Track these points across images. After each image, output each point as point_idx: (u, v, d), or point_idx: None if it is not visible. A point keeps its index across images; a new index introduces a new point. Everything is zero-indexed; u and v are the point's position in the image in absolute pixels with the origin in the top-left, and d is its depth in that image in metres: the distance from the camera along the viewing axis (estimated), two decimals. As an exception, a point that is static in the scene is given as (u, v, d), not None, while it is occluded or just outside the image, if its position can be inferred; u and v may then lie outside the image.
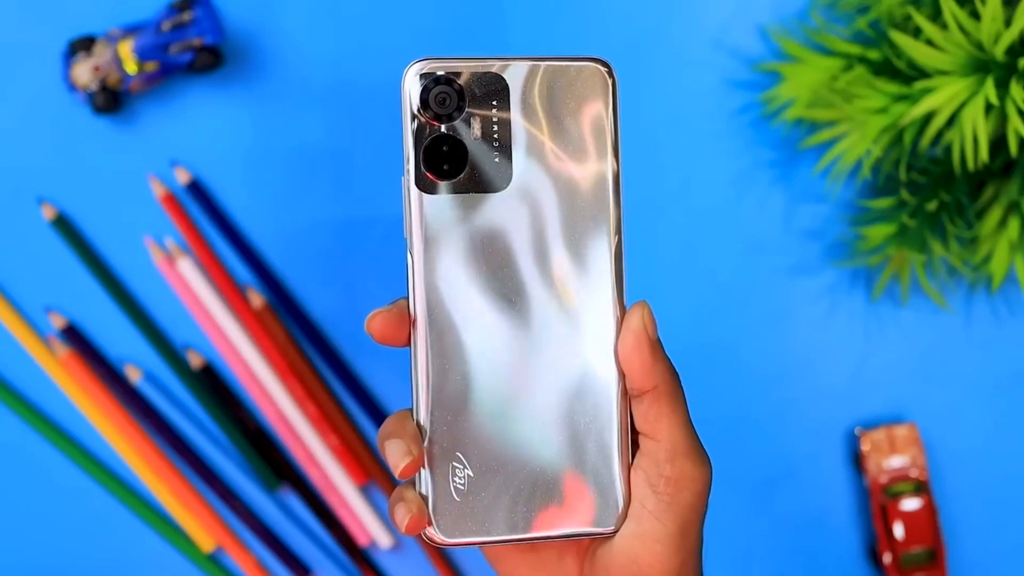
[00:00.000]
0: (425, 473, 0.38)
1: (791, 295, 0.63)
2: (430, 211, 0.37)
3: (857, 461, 0.63)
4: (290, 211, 0.61)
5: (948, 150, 0.57)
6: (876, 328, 0.63)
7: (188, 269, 0.60)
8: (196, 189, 0.60)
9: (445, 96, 0.37)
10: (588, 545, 0.40)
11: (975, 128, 0.53)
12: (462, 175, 0.37)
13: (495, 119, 0.37)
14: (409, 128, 0.37)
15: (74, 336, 0.60)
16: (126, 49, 0.57)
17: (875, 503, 0.61)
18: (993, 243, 0.58)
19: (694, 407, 0.38)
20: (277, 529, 0.62)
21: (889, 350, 0.63)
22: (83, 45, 0.58)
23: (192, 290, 0.60)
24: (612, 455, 0.38)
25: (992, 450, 0.63)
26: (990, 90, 0.52)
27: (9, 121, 0.60)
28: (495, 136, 0.37)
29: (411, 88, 0.37)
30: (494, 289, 0.38)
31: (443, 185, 0.37)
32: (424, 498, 0.38)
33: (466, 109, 0.37)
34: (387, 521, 0.62)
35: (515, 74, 0.37)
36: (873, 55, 0.58)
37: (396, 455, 0.37)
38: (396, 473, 0.37)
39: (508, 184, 0.37)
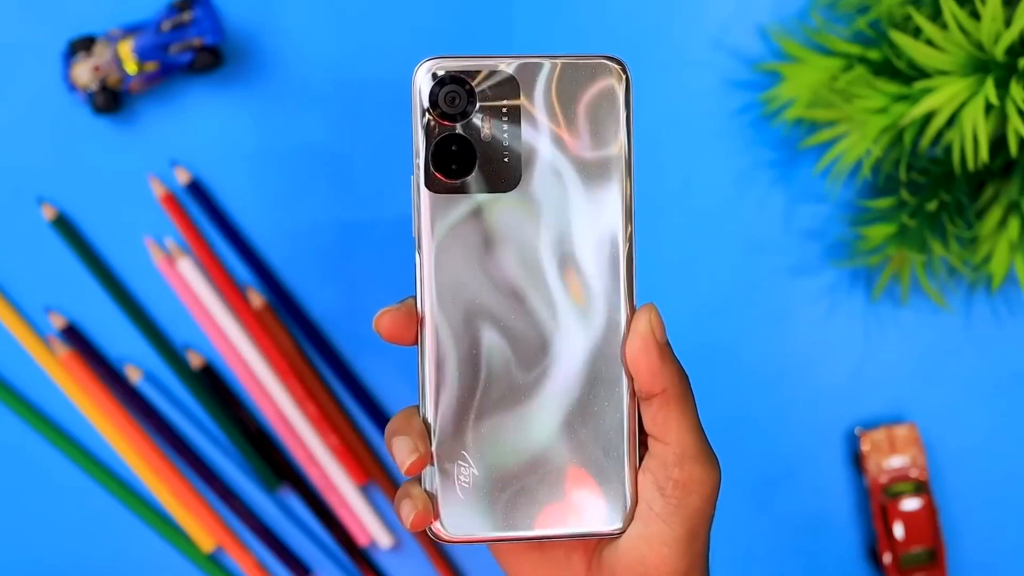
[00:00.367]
0: (431, 470, 0.38)
1: (791, 295, 0.63)
2: (439, 210, 0.37)
3: (857, 461, 0.63)
4: (290, 211, 0.61)
5: (948, 150, 0.57)
6: (876, 328, 0.63)
7: (188, 269, 0.60)
8: (196, 189, 0.60)
9: (455, 95, 0.37)
10: (595, 545, 0.40)
11: (975, 128, 0.53)
12: (471, 175, 0.37)
13: (505, 118, 0.37)
14: (418, 127, 0.37)
15: (74, 336, 0.60)
16: (126, 49, 0.57)
17: (875, 503, 0.61)
18: (993, 243, 0.58)
19: (694, 407, 0.38)
20: (277, 529, 0.62)
21: (889, 350, 0.63)
22: (83, 45, 0.58)
23: (192, 290, 0.60)
24: (619, 456, 0.38)
25: (992, 450, 0.63)
26: (990, 90, 0.52)
27: (9, 121, 0.60)
28: (505, 136, 0.37)
29: (421, 87, 0.37)
30: (502, 289, 0.37)
31: (452, 184, 0.37)
32: (430, 495, 0.38)
33: (476, 108, 0.37)
34: (387, 521, 0.62)
35: (526, 72, 0.37)
36: (873, 55, 0.58)
37: (403, 452, 0.37)
38: (402, 470, 0.37)
39: (518, 184, 0.37)
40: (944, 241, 0.59)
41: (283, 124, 0.61)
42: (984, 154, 0.54)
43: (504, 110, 0.37)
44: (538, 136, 0.37)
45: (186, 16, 0.57)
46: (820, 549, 0.63)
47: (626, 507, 0.38)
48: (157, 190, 0.60)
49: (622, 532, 0.38)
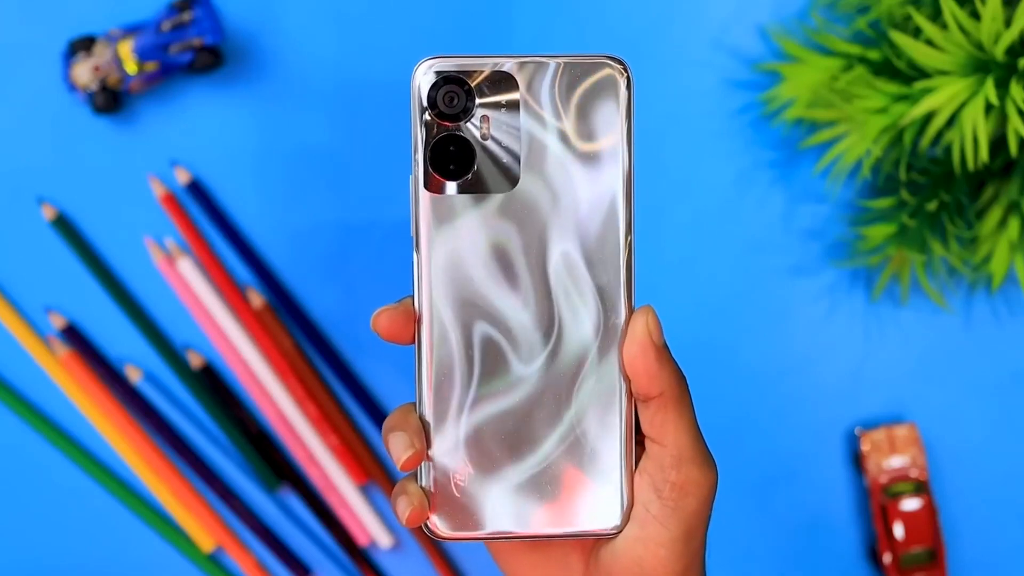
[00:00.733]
0: (427, 467, 0.38)
1: (791, 295, 0.63)
2: (437, 210, 0.37)
3: (857, 461, 0.63)
4: (290, 211, 0.61)
5: (948, 150, 0.57)
6: (876, 328, 0.63)
7: (188, 269, 0.60)
8: (196, 189, 0.60)
9: (454, 95, 0.37)
10: (592, 546, 0.40)
11: (975, 128, 0.53)
12: (470, 175, 0.37)
13: (505, 118, 0.37)
14: (417, 126, 0.37)
15: (74, 336, 0.60)
16: (126, 49, 0.57)
17: (875, 503, 0.61)
18: (993, 243, 0.58)
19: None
20: (277, 529, 0.62)
21: (889, 350, 0.63)
22: (83, 45, 0.58)
23: (192, 290, 0.60)
24: (615, 457, 0.38)
25: (992, 450, 0.63)
26: (990, 90, 0.52)
27: (9, 121, 0.60)
28: (504, 136, 0.37)
29: (420, 86, 0.37)
30: (500, 289, 0.37)
31: (450, 184, 0.37)
32: (426, 491, 0.38)
33: (475, 108, 0.37)
34: (387, 521, 0.62)
35: (526, 72, 0.37)
36: (873, 55, 0.58)
37: (398, 448, 0.37)
38: (398, 465, 0.37)
39: (517, 184, 0.37)
40: (944, 241, 0.59)
41: (283, 124, 0.61)
42: (984, 154, 0.54)
43: (503, 110, 0.37)
44: (537, 136, 0.37)
45: (186, 16, 0.57)
46: (820, 549, 0.63)
47: (622, 508, 0.38)
48: (157, 190, 0.60)
49: (618, 533, 0.38)
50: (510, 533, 0.38)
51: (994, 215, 0.58)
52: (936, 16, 0.55)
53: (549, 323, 0.38)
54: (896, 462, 0.61)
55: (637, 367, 0.37)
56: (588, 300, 0.38)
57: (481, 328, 0.38)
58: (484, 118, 0.37)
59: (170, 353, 0.61)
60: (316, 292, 0.62)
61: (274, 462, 0.62)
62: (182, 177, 0.60)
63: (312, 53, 0.61)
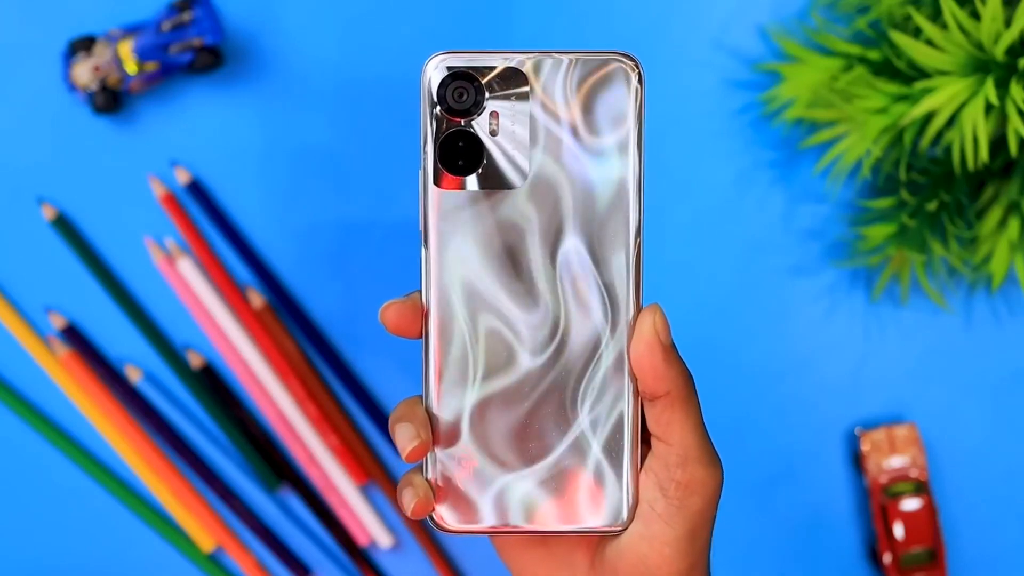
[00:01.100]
0: (433, 460, 0.38)
1: (791, 295, 0.63)
2: (445, 205, 0.37)
3: (857, 461, 0.63)
4: (290, 211, 0.61)
5: (948, 150, 0.57)
6: (876, 328, 0.63)
7: (188, 269, 0.60)
8: (196, 189, 0.60)
9: (464, 91, 0.37)
10: (598, 543, 0.40)
11: (975, 128, 0.53)
12: (479, 170, 0.37)
13: (514, 114, 0.37)
14: (427, 121, 0.37)
15: (74, 336, 0.60)
16: (126, 49, 0.57)
17: (875, 503, 0.61)
18: (993, 243, 0.58)
19: (694, 407, 0.38)
20: (277, 529, 0.62)
21: (889, 350, 0.63)
22: (83, 45, 0.58)
23: (192, 290, 0.60)
24: (621, 455, 0.38)
25: (992, 450, 0.63)
26: (990, 90, 0.52)
27: (9, 121, 0.60)
28: (514, 132, 0.37)
29: (430, 81, 0.37)
30: (508, 284, 0.38)
31: (459, 180, 0.37)
32: (431, 484, 0.38)
33: (484, 103, 0.37)
34: (387, 521, 0.62)
35: (536, 68, 0.37)
36: (873, 55, 0.58)
37: (404, 438, 0.37)
38: (404, 456, 0.37)
39: (525, 180, 0.37)
40: (944, 241, 0.59)
41: (283, 124, 0.61)
42: (984, 154, 0.54)
43: (513, 106, 0.37)
44: (547, 133, 0.37)
45: (186, 16, 0.57)
46: (820, 549, 0.63)
47: (627, 506, 0.38)
48: (157, 190, 0.60)
49: (622, 531, 0.38)
50: (514, 527, 0.38)
51: (994, 215, 0.58)
52: (936, 16, 0.55)
53: (556, 319, 0.38)
54: (896, 462, 0.61)
55: (644, 366, 0.37)
56: (596, 297, 0.38)
57: (488, 323, 0.38)
58: (494, 114, 0.37)
59: (170, 353, 0.61)
60: (316, 292, 0.62)
61: (274, 462, 0.61)
62: (182, 177, 0.60)
63: (312, 53, 0.61)
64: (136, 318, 0.60)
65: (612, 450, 0.38)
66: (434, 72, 0.37)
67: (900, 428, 0.62)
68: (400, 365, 0.62)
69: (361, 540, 0.62)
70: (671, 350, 0.37)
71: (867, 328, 0.63)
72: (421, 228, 0.37)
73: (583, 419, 0.38)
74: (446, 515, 0.38)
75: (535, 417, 0.38)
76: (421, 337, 0.38)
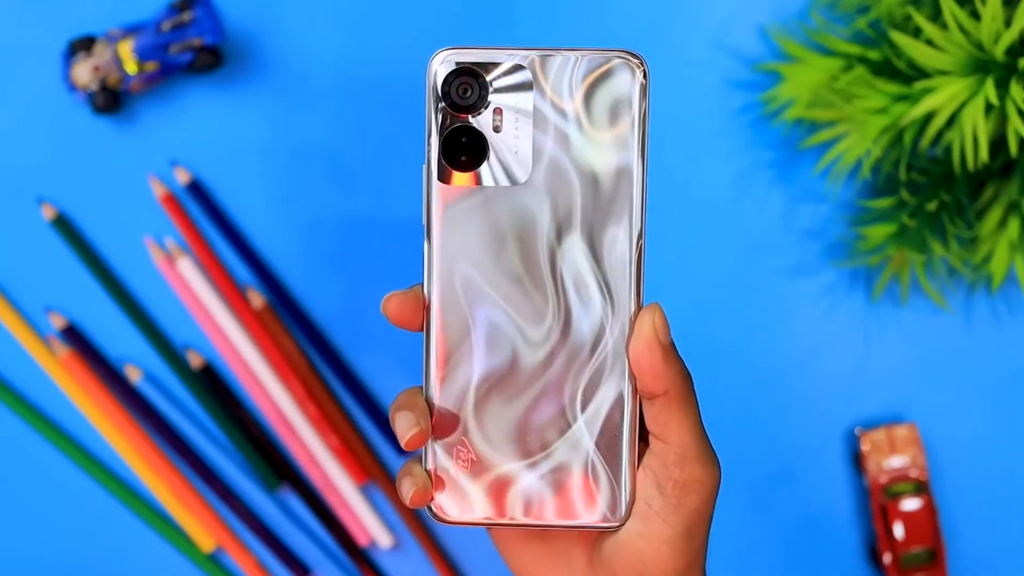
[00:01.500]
0: (432, 450, 0.38)
1: (791, 295, 0.63)
2: (448, 200, 0.37)
3: (857, 461, 0.63)
4: (290, 211, 0.61)
5: (948, 150, 0.57)
6: (876, 328, 0.63)
7: (188, 269, 0.60)
8: (196, 189, 0.60)
9: (468, 87, 0.37)
10: (595, 539, 0.40)
11: (975, 128, 0.53)
12: (482, 166, 0.37)
13: (518, 111, 0.37)
14: (431, 117, 0.37)
15: (74, 336, 0.60)
16: (126, 49, 0.57)
17: (875, 503, 0.61)
18: (993, 243, 0.58)
19: (694, 407, 0.38)
20: (277, 529, 0.62)
21: (889, 350, 0.63)
22: (83, 45, 0.58)
23: (192, 290, 0.60)
24: (618, 451, 0.38)
25: (992, 450, 0.63)
26: (990, 90, 0.52)
27: (9, 121, 0.60)
28: (517, 128, 0.37)
29: (435, 77, 0.37)
30: (509, 280, 0.38)
31: (462, 175, 0.37)
32: (430, 474, 0.38)
33: (488, 99, 0.37)
34: (387, 521, 0.62)
35: (541, 65, 0.37)
36: (873, 55, 0.58)
37: (404, 426, 0.38)
38: (403, 443, 0.37)
39: (528, 176, 0.37)
40: (944, 241, 0.59)
41: (283, 124, 0.61)
42: (984, 154, 0.54)
43: (517, 102, 0.37)
44: (551, 129, 0.37)
45: (186, 16, 0.57)
46: (820, 549, 0.63)
47: (624, 503, 0.38)
48: (157, 190, 0.60)
49: (619, 527, 0.39)
50: (511, 520, 0.39)
51: (994, 215, 0.58)
52: (936, 16, 0.55)
53: (556, 315, 0.38)
54: (896, 462, 0.61)
55: (643, 365, 0.37)
56: (596, 294, 0.38)
57: (489, 317, 0.38)
58: (497, 110, 0.37)
59: (170, 353, 0.61)
60: (316, 292, 0.62)
61: (274, 462, 0.62)
62: (182, 177, 0.60)
63: (312, 53, 0.61)
64: (136, 318, 0.60)
65: (610, 447, 0.38)
66: (439, 67, 0.37)
67: (900, 428, 0.62)
68: (400, 365, 0.62)
69: (361, 540, 0.62)
70: (670, 349, 0.37)
71: (867, 328, 0.63)
72: (424, 222, 0.38)
73: (582, 415, 0.38)
74: (444, 506, 0.39)
75: (534, 411, 0.38)
76: (422, 329, 0.38)
